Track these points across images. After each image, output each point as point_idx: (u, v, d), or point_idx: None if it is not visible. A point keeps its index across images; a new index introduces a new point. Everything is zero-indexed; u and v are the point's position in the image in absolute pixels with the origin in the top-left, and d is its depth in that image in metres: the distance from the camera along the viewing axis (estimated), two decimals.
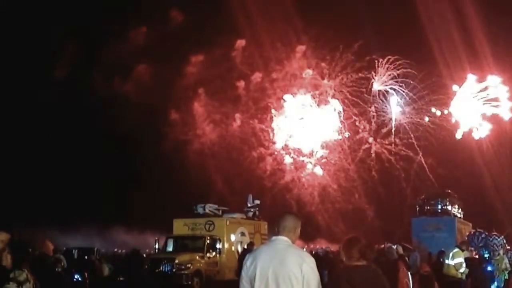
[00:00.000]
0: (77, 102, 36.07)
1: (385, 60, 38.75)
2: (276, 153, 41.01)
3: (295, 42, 40.36)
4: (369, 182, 39.34)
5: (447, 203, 25.32)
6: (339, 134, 40.78)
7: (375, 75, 39.60)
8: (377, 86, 40.14)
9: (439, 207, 25.17)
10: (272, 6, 36.92)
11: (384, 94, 40.35)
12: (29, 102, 34.86)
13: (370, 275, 5.07)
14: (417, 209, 25.82)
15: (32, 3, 36.05)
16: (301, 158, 40.85)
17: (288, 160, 40.97)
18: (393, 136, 40.38)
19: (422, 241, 21.10)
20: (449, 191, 26.23)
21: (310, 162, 41.04)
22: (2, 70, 33.41)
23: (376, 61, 38.90)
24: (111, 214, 33.01)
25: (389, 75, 39.49)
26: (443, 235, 21.53)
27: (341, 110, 40.48)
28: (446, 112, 38.41)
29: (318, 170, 41.22)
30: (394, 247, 16.92)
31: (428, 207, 25.41)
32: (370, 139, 41.08)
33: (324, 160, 41.16)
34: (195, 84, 40.38)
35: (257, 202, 24.69)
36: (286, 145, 40.94)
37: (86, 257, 21.54)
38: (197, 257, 20.74)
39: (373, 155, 40.61)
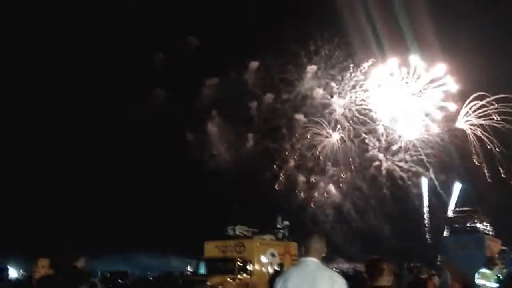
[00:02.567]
0: (97, 129, 36.42)
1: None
2: (289, 172, 41.39)
3: (306, 63, 41.16)
4: (383, 200, 39.76)
5: (476, 221, 25.16)
6: (350, 152, 41.21)
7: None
8: (386, 104, 40.73)
9: (468, 224, 25.04)
10: (283, 28, 37.53)
11: (393, 112, 40.90)
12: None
13: None
14: (446, 227, 25.76)
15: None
16: (314, 177, 41.22)
17: (301, 179, 41.35)
18: (403, 153, 40.81)
19: (452, 259, 20.96)
20: (478, 208, 26.23)
21: (323, 181, 41.44)
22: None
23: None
24: (134, 238, 33.03)
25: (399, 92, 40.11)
26: (472, 253, 21.10)
27: (351, 128, 41.10)
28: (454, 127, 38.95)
29: (331, 188, 41.62)
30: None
31: (457, 225, 25.32)
32: (380, 156, 41.59)
33: (335, 178, 41.57)
34: (209, 106, 41.04)
35: (286, 223, 24.68)
36: (298, 164, 41.32)
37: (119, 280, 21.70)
38: (228, 279, 20.71)
39: (384, 172, 41.05)
